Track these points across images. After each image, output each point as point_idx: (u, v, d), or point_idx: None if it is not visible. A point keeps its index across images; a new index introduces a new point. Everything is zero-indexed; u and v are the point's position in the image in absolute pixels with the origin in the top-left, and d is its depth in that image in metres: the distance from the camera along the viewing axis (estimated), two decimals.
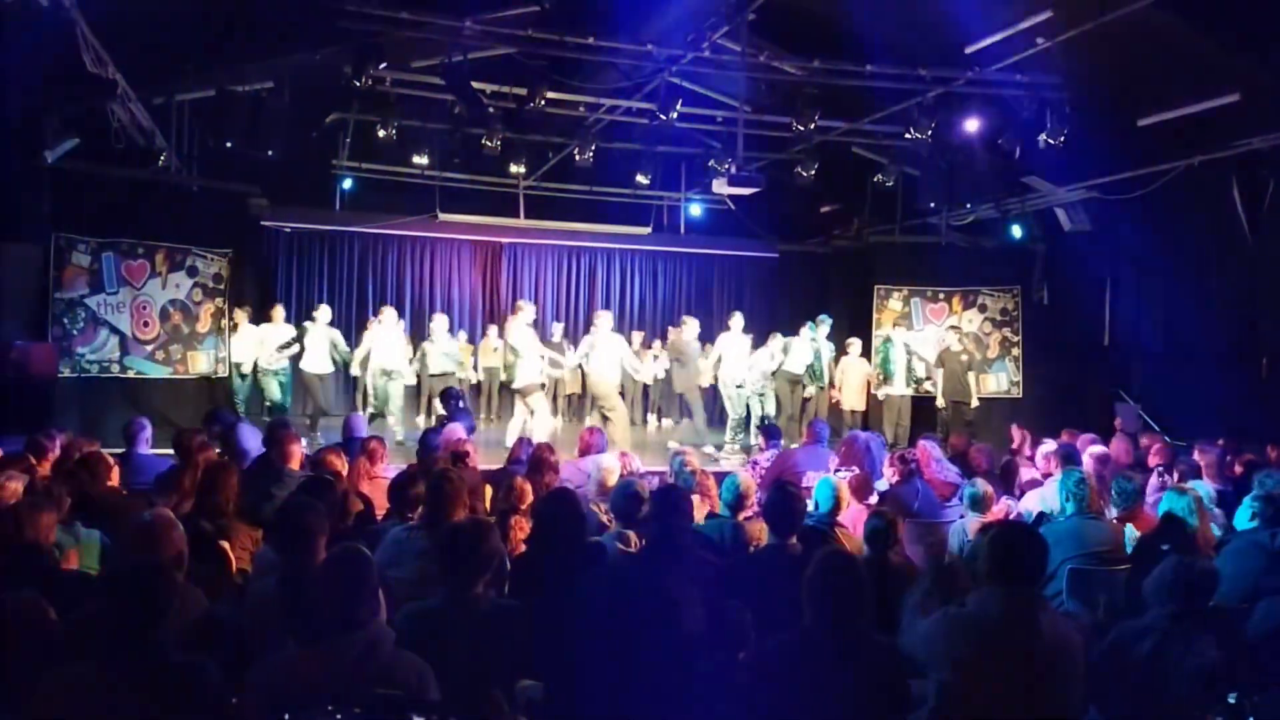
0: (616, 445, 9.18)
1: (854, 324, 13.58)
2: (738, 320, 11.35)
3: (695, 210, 14.78)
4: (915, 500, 6.27)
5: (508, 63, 9.82)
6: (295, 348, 11.14)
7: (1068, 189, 11.39)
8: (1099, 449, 7.23)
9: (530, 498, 5.17)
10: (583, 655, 3.36)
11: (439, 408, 10.80)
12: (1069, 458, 6.83)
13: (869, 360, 12.62)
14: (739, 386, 11.15)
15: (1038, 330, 13.16)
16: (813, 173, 11.57)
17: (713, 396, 12.21)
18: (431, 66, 10.00)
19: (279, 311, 11.34)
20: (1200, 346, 10.60)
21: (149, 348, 10.98)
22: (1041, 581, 3.34)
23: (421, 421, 12.01)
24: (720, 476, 5.67)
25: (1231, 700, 3.19)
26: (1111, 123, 9.79)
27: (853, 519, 5.49)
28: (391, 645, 2.83)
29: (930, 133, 9.96)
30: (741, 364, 11.14)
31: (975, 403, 11.81)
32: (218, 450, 6.39)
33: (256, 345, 11.33)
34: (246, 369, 11.48)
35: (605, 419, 10.19)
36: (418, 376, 11.96)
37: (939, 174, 11.55)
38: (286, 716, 2.43)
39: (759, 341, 11.71)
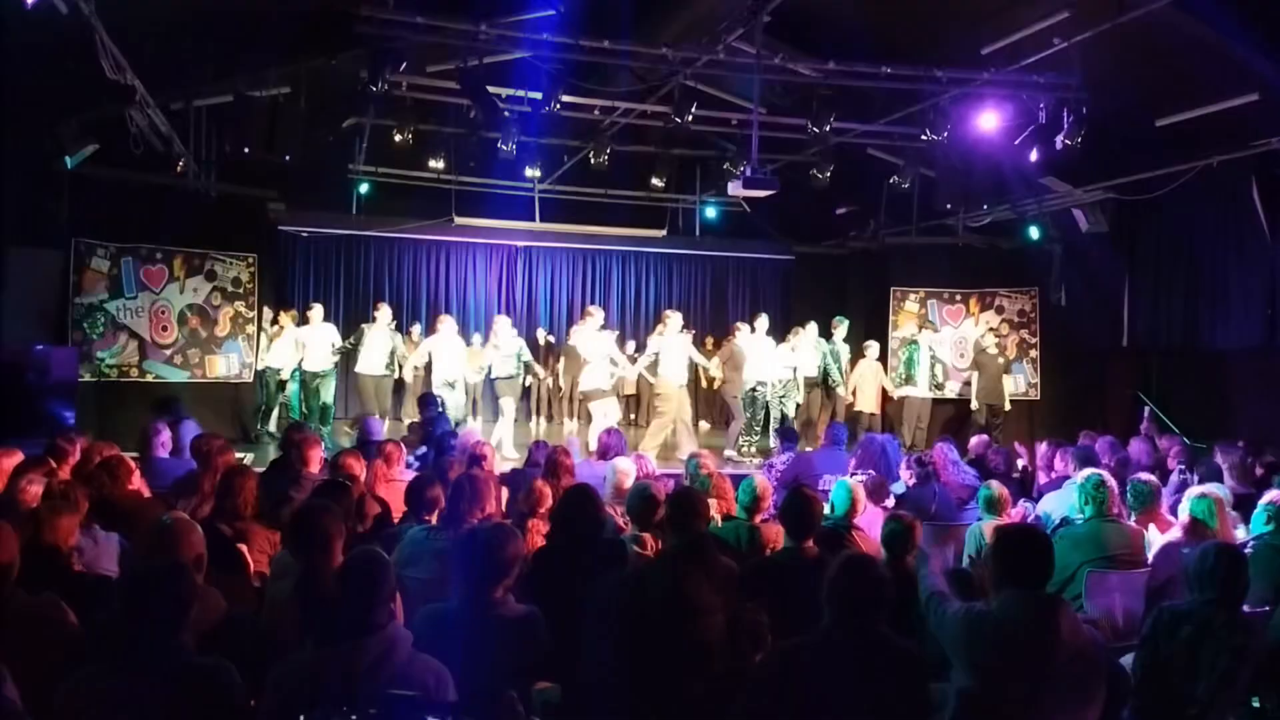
0: (683, 449, 9.25)
1: (870, 326, 13.54)
2: (762, 322, 11.35)
3: (710, 213, 14.76)
4: (932, 503, 6.25)
5: (523, 66, 9.84)
6: (347, 348, 11.08)
7: (1085, 190, 11.32)
8: (1119, 451, 7.20)
9: (549, 501, 5.17)
10: (601, 658, 3.36)
11: (507, 409, 10.78)
12: (1087, 460, 6.79)
13: (885, 363, 12.57)
14: (755, 388, 11.13)
15: (1055, 332, 13.10)
16: (828, 175, 11.54)
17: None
18: (447, 71, 10.02)
19: (317, 311, 11.17)
20: (1220, 347, 10.52)
21: (167, 352, 11.07)
22: (1049, 583, 3.31)
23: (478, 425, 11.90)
24: (737, 480, 5.66)
25: (1255, 704, 3.17)
26: (1129, 123, 9.73)
27: (869, 522, 5.47)
28: (409, 648, 2.84)
29: (946, 134, 9.92)
30: (764, 366, 11.12)
31: (1008, 405, 11.77)
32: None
33: (297, 347, 11.06)
34: (287, 373, 11.38)
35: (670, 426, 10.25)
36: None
37: (955, 175, 11.50)
38: (302, 718, 2.44)
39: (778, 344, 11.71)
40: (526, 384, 11.13)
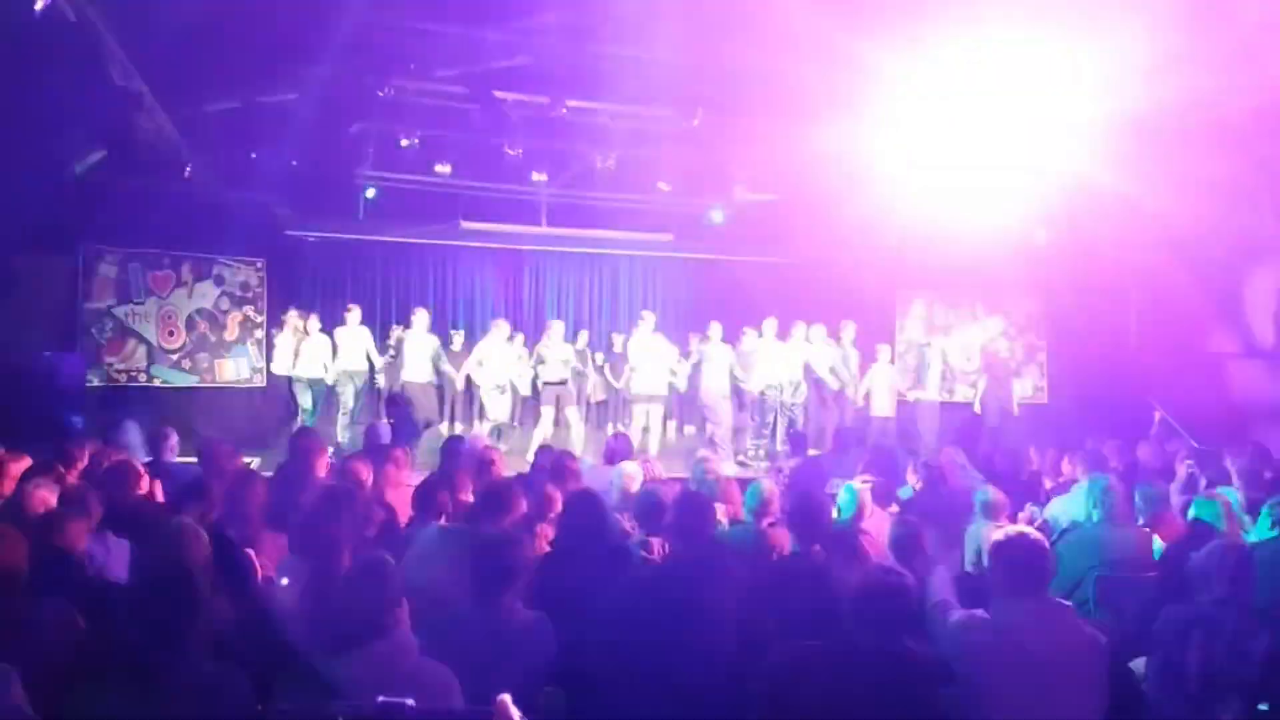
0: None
1: (877, 330, 13.51)
2: (770, 325, 11.36)
3: (717, 216, 14.75)
4: (939, 508, 6.23)
5: (530, 71, 9.85)
6: (390, 359, 11.06)
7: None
8: (1127, 455, 7.18)
9: (558, 505, 5.18)
10: (607, 663, 3.35)
11: (546, 415, 10.78)
12: (1095, 464, 6.77)
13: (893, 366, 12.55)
14: (765, 391, 11.13)
15: (1064, 335, 13.06)
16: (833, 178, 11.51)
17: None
18: (454, 75, 10.04)
19: (355, 314, 11.01)
20: (1229, 350, 10.49)
21: (175, 356, 11.10)
22: (1057, 589, 3.31)
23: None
24: (744, 484, 5.66)
25: (1263, 709, 3.16)
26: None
27: (876, 526, 5.46)
28: (416, 653, 2.84)
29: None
30: (773, 369, 11.12)
31: (1016, 410, 11.74)
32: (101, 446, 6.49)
33: (326, 351, 10.88)
34: (317, 376, 11.22)
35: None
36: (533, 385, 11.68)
37: None
38: None
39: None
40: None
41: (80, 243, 10.44)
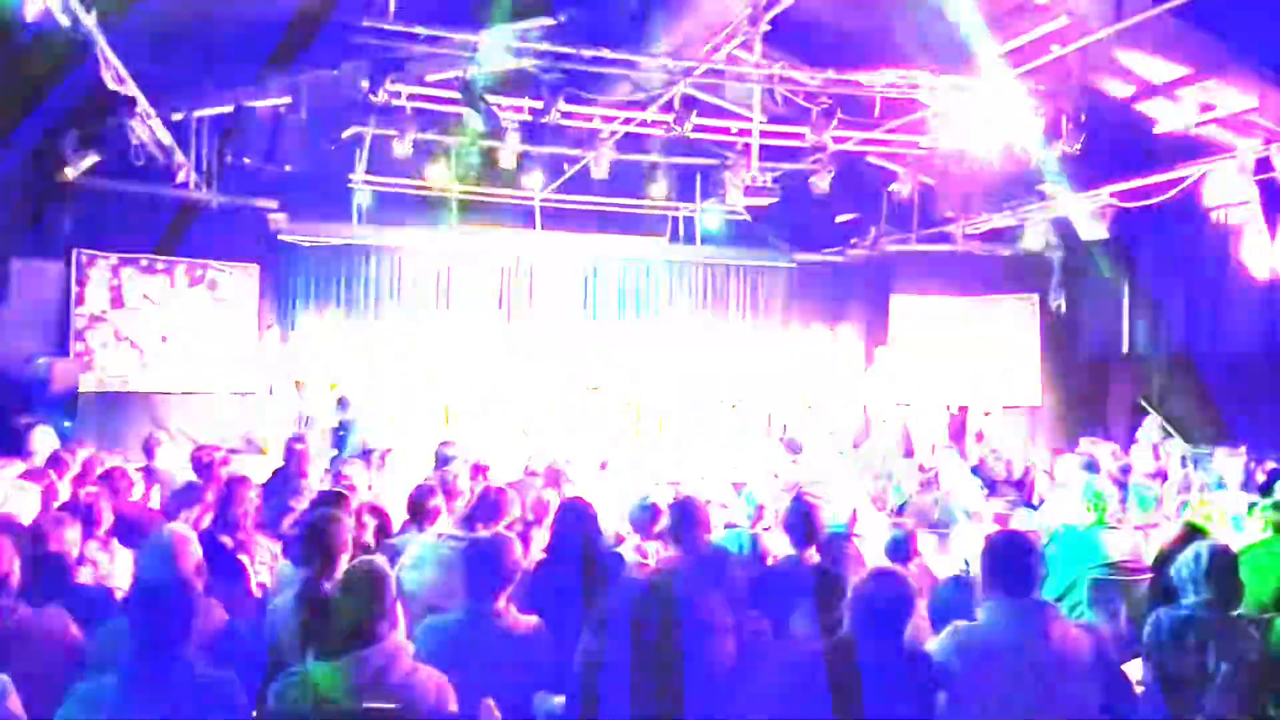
0: None
1: (871, 334, 13.54)
2: None
3: (711, 221, 14.76)
4: (934, 511, 6.24)
5: (523, 76, 9.86)
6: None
7: (1085, 196, 11.33)
8: (1120, 458, 7.19)
9: (550, 511, 5.18)
10: (606, 668, 3.35)
11: None
12: (1089, 467, 6.79)
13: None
14: None
15: (1056, 338, 13.10)
16: (828, 182, 11.55)
17: None
18: (447, 80, 10.04)
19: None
20: (1221, 352, 10.52)
21: (169, 362, 11.07)
22: (1050, 591, 3.31)
23: None
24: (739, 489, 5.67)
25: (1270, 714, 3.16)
26: (1128, 129, 9.74)
27: (871, 529, 5.47)
28: (410, 659, 2.84)
29: (945, 141, 9.92)
30: None
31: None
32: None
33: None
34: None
35: None
36: None
37: (954, 182, 11.51)
38: None
39: None
40: None
41: (73, 248, 10.41)
